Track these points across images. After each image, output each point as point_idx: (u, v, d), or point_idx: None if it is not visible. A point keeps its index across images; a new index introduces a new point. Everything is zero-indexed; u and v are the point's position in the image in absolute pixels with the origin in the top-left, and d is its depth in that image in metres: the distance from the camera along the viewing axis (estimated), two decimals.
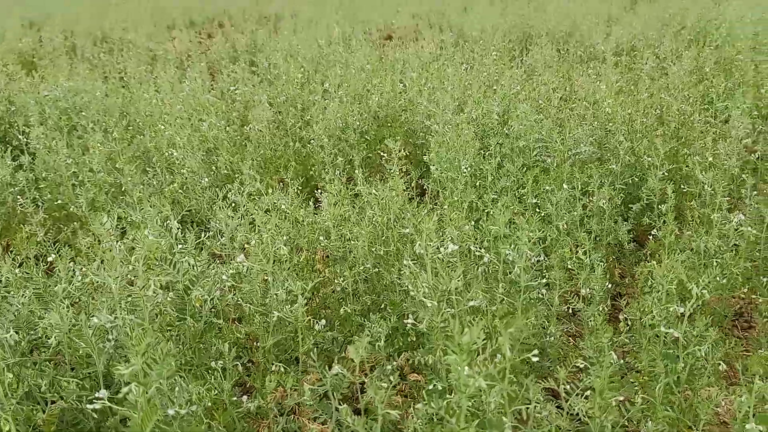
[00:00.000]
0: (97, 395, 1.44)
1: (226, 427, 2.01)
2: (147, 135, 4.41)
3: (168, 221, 2.27)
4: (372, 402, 1.79)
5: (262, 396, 2.09)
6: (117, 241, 2.11)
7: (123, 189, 3.80)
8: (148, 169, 4.21)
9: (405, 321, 2.27)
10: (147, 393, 1.49)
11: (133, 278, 2.07)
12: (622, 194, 3.90)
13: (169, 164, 4.19)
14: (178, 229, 2.29)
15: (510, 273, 2.49)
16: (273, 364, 2.26)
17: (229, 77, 6.39)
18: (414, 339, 2.73)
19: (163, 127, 4.18)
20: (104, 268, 2.02)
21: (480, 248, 2.57)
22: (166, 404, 1.64)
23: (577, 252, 3.00)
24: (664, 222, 3.32)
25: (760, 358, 2.08)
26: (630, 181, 3.99)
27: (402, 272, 2.81)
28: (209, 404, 1.95)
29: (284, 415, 2.19)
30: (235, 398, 2.10)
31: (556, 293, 2.81)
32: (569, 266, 3.01)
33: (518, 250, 2.37)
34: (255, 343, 2.53)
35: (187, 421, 1.66)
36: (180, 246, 2.28)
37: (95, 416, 1.85)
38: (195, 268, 2.25)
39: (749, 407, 1.91)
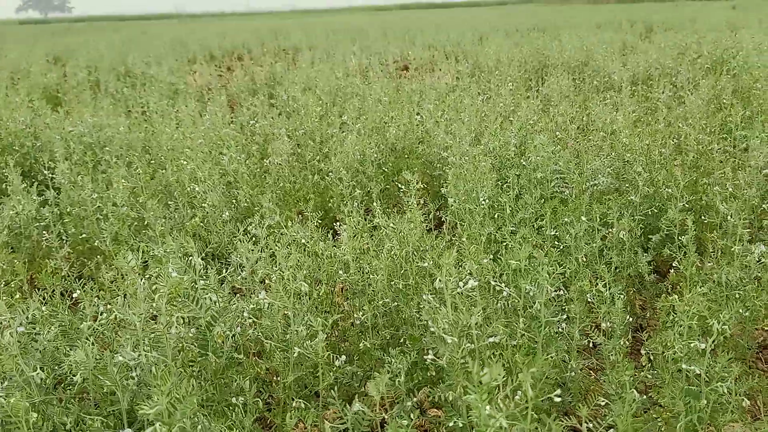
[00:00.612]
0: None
1: None
2: (169, 169, 4.49)
3: (190, 257, 2.31)
4: None
5: None
6: (140, 278, 2.14)
7: (146, 223, 3.86)
8: (170, 203, 4.28)
9: (425, 357, 2.27)
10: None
11: (155, 314, 2.10)
12: (641, 225, 3.88)
13: (191, 198, 4.26)
14: (200, 264, 2.32)
15: (530, 307, 2.49)
16: (293, 399, 2.27)
17: (248, 110, 6.51)
18: (434, 374, 2.73)
19: (185, 162, 4.26)
20: (128, 305, 2.05)
21: (499, 282, 2.57)
22: None
23: (597, 284, 2.99)
24: (685, 254, 3.30)
25: None
26: (649, 212, 3.97)
27: (421, 306, 2.82)
28: None
29: None
30: None
31: (577, 327, 2.80)
32: (589, 299, 3.00)
33: (538, 285, 2.37)
34: (275, 378, 2.54)
35: None
36: (202, 282, 2.32)
37: None
38: (217, 304, 2.28)
39: None
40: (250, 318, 2.35)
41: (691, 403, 2.11)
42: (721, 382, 2.15)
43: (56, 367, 2.00)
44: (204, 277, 2.37)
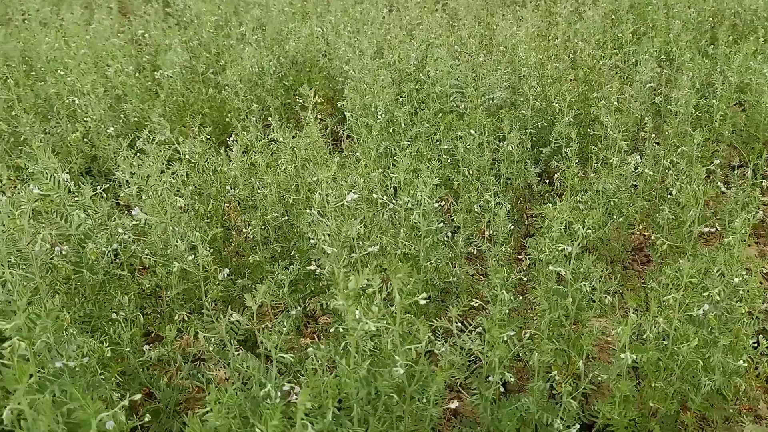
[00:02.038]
0: None
1: (128, 375, 2.02)
2: (48, 81, 4.19)
3: (61, 173, 2.20)
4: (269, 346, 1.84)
5: (164, 345, 2.11)
6: (2, 194, 2.03)
7: (23, 138, 3.62)
8: (50, 117, 4.02)
9: (308, 267, 2.31)
10: (32, 347, 1.47)
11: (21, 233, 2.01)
12: (533, 138, 4.00)
13: (73, 112, 4.01)
14: (68, 181, 2.22)
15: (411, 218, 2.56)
16: (177, 313, 2.26)
17: (141, 18, 6.09)
18: (325, 284, 2.79)
19: (62, 73, 3.97)
20: None
21: (383, 196, 2.61)
22: (54, 357, 1.63)
23: (485, 195, 3.10)
24: (568, 166, 3.45)
25: (633, 293, 2.22)
26: (540, 126, 4.09)
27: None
28: (107, 355, 1.95)
29: (189, 362, 2.21)
30: (136, 348, 2.10)
31: (461, 236, 2.91)
32: (476, 209, 3.11)
33: (416, 197, 2.42)
34: (160, 293, 2.52)
35: (78, 373, 1.66)
36: (72, 198, 2.22)
37: None
38: (88, 220, 2.20)
39: (626, 338, 2.06)
40: (127, 234, 2.29)
41: (557, 301, 2.26)
42: (585, 281, 2.31)
43: None
44: (76, 194, 2.28)
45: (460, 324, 2.05)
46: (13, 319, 1.42)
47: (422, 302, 1.73)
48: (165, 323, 2.37)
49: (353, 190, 2.30)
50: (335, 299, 2.31)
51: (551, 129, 3.99)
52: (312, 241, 2.24)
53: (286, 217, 2.93)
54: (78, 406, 1.34)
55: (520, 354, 2.30)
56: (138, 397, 1.50)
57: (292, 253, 2.85)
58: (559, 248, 2.32)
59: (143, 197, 2.34)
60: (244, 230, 2.93)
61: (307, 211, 2.36)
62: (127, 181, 2.94)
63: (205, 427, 1.35)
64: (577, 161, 3.48)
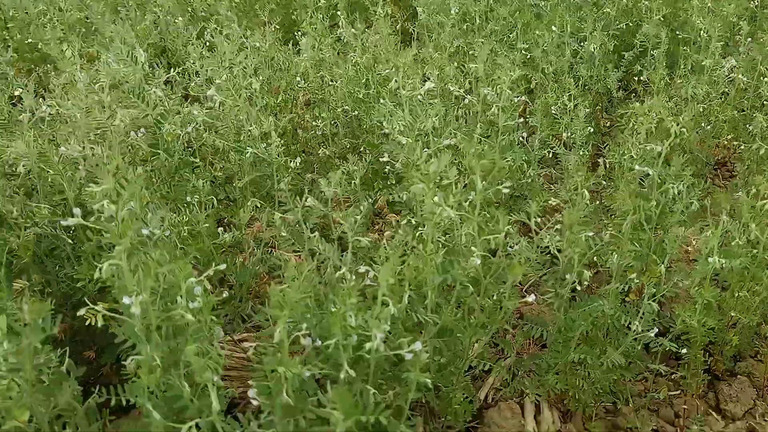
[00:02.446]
0: (74, 210, 1.43)
1: (203, 256, 2.05)
2: None
3: (135, 50, 2.17)
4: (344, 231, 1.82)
5: (239, 229, 2.12)
6: (82, 72, 2.02)
7: (94, 28, 3.62)
8: (120, 8, 3.99)
9: (381, 158, 2.25)
10: (121, 211, 1.48)
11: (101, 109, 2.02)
12: (615, 41, 3.75)
13: (142, 3, 3.97)
14: (145, 60, 2.19)
15: (488, 113, 2.45)
16: (249, 200, 2.27)
17: None
18: (393, 182, 2.74)
19: None
20: (70, 98, 1.95)
21: (460, 89, 2.50)
22: (140, 227, 1.65)
23: (563, 97, 2.94)
24: (655, 68, 3.23)
25: (726, 196, 2.09)
26: (624, 27, 3.82)
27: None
28: (185, 234, 1.98)
29: (261, 247, 2.23)
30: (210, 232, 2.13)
31: (537, 137, 2.79)
32: (553, 111, 2.96)
33: (498, 90, 2.31)
34: (233, 183, 2.53)
35: (161, 244, 1.68)
36: (149, 79, 2.20)
37: (71, 242, 1.87)
38: (165, 101, 2.19)
39: (715, 242, 1.96)
40: (201, 117, 2.27)
41: (640, 203, 2.16)
42: (672, 184, 2.18)
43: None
44: (151, 74, 2.26)
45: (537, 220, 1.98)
46: (102, 183, 1.42)
47: (505, 191, 1.66)
48: (237, 210, 2.39)
49: (429, 80, 2.20)
50: (408, 191, 2.28)
51: (635, 32, 3.72)
52: (383, 133, 2.17)
53: (356, 112, 2.86)
54: (169, 270, 1.35)
55: (595, 259, 2.23)
56: (223, 266, 1.50)
57: (361, 149, 2.80)
58: (648, 147, 2.18)
59: (217, 81, 2.30)
60: (312, 124, 2.89)
61: (381, 101, 2.28)
62: (197, 72, 2.92)
63: (285, 299, 1.34)
64: (664, 65, 3.25)
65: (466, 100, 2.55)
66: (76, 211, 1.49)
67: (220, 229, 2.15)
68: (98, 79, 1.92)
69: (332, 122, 2.82)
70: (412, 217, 2.18)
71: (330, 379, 1.67)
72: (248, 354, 1.41)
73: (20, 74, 3.36)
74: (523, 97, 2.55)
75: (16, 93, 2.35)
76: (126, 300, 1.29)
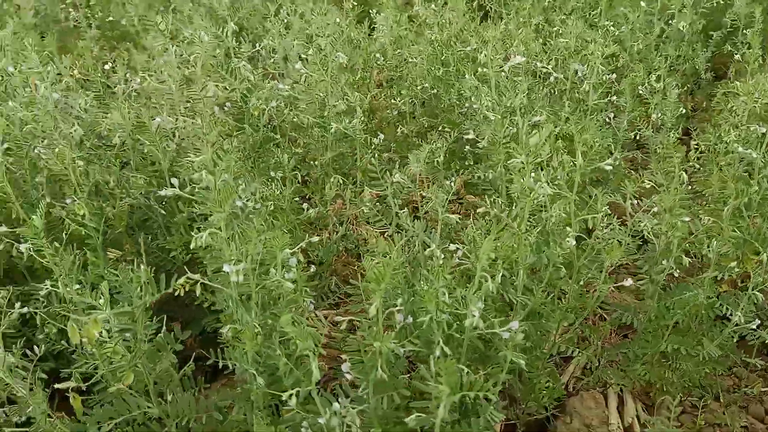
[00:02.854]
0: (171, 181, 1.45)
1: (288, 230, 2.05)
2: None
3: (224, 28, 2.18)
4: (432, 208, 1.79)
5: (323, 204, 2.12)
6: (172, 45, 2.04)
7: (173, 7, 3.67)
8: None
9: (465, 136, 2.20)
10: (218, 182, 1.49)
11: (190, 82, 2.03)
12: (704, 21, 3.56)
13: None
14: (232, 34, 2.20)
15: (577, 91, 2.36)
16: (332, 176, 2.26)
17: None
18: (471, 163, 2.69)
19: None
20: (161, 71, 1.98)
21: (549, 65, 2.41)
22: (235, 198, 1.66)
23: (650, 77, 2.82)
24: (749, 46, 3.04)
25: None
26: (714, 5, 3.62)
27: (461, 93, 2.70)
28: (270, 209, 1.98)
29: (343, 224, 2.22)
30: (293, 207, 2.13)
31: (625, 118, 2.67)
32: (641, 92, 2.84)
33: (589, 65, 2.21)
34: (313, 162, 2.52)
35: (252, 217, 1.69)
36: (236, 54, 2.21)
37: (163, 212, 1.90)
38: (252, 75, 2.19)
39: None
40: (286, 91, 2.26)
41: (741, 188, 2.04)
42: None
43: (93, 130, 1.98)
44: (238, 49, 2.26)
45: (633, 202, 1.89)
46: (201, 154, 1.43)
47: (607, 167, 1.59)
48: (318, 187, 2.38)
49: (518, 54, 2.13)
50: (493, 170, 2.22)
51: (725, 10, 3.53)
52: (464, 110, 2.12)
53: (435, 90, 2.81)
54: (266, 239, 1.35)
55: (686, 246, 2.12)
56: (317, 239, 1.49)
57: (440, 128, 2.75)
58: (751, 128, 2.06)
59: (302, 55, 2.29)
60: (391, 102, 2.85)
61: (466, 77, 2.23)
62: (274, 49, 2.92)
63: (382, 273, 1.32)
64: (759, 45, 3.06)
65: (552, 78, 2.46)
66: (174, 181, 1.51)
67: (305, 204, 2.15)
68: (189, 52, 1.93)
69: (410, 101, 2.77)
70: (498, 197, 2.12)
71: (419, 359, 1.66)
72: (340, 327, 1.39)
73: (103, 51, 3.44)
74: (613, 75, 2.44)
75: (106, 67, 2.40)
76: (226, 268, 1.30)
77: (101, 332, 1.19)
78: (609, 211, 1.77)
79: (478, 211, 1.66)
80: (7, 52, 2.00)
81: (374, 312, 1.36)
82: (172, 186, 1.49)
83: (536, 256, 1.63)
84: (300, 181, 2.44)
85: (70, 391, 1.34)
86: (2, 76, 2.02)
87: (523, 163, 1.51)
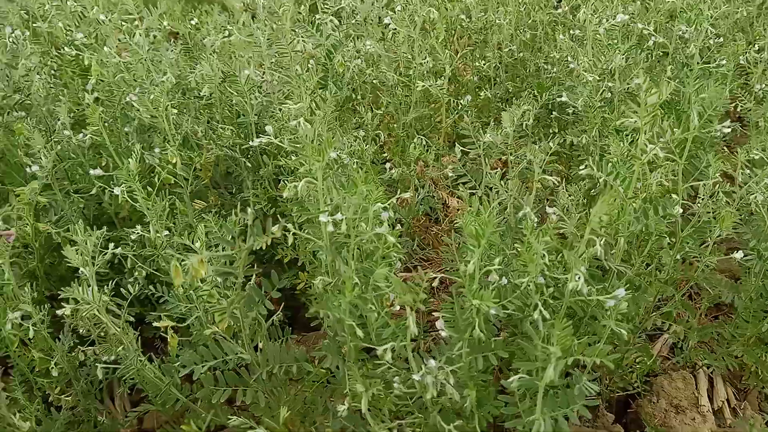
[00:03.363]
0: (266, 129, 1.41)
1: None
2: None
3: None
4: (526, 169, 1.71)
5: (407, 164, 2.06)
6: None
7: None
8: None
9: (558, 98, 2.10)
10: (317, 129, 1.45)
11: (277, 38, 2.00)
12: None
13: None
14: None
15: (680, 54, 2.21)
16: (415, 136, 2.20)
17: None
18: (555, 130, 2.58)
19: None
20: (249, 25, 1.95)
21: (650, 26, 2.27)
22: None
23: (752, 47, 2.63)
24: None
25: None
26: None
27: (550, 57, 2.59)
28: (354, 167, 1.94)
29: (424, 188, 2.17)
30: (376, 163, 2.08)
31: (727, 88, 2.50)
32: (741, 61, 2.66)
33: (696, 25, 2.06)
34: (392, 124, 2.46)
35: (342, 171, 1.65)
36: (322, 8, 2.16)
37: (249, 164, 1.89)
38: (338, 32, 2.14)
39: None
40: (372, 48, 2.20)
41: None
42: None
43: (181, 83, 1.97)
44: (323, 3, 2.22)
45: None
46: (299, 101, 1.39)
47: (726, 130, 1.47)
48: (398, 149, 2.33)
49: (621, 12, 2.01)
50: (588, 135, 2.11)
51: None
52: (551, 75, 2.01)
53: (521, 54, 2.70)
54: (358, 192, 1.30)
55: None
56: (408, 195, 1.44)
57: (525, 93, 2.64)
58: None
59: (386, 14, 2.22)
60: (474, 66, 2.75)
61: (560, 37, 2.12)
62: (353, 11, 2.85)
63: (483, 228, 1.26)
64: None
65: (650, 42, 2.32)
66: (268, 128, 1.47)
67: (387, 164, 2.10)
68: (278, 4, 1.89)
69: (495, 64, 2.67)
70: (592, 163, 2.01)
71: (509, 322, 1.59)
72: (434, 285, 1.34)
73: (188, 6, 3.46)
74: (720, 39, 2.28)
75: (193, 22, 2.39)
76: (323, 218, 1.26)
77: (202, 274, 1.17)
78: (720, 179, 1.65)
79: (579, 171, 1.56)
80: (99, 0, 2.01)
81: (472, 269, 1.30)
82: (266, 133, 1.46)
83: (641, 223, 1.53)
84: (380, 142, 2.40)
85: (168, 330, 1.34)
86: (95, 26, 2.04)
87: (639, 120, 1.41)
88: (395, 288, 1.18)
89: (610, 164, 1.49)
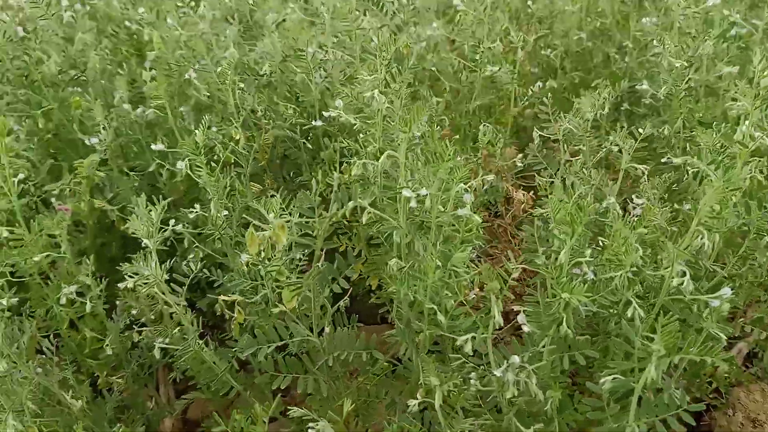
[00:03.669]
0: (336, 105, 1.33)
1: None
2: None
3: None
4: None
5: (473, 151, 1.96)
6: None
7: None
8: None
9: (639, 87, 1.96)
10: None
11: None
12: None
13: None
14: None
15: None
16: (478, 125, 2.09)
17: None
18: (625, 125, 2.44)
19: None
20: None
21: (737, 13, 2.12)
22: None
23: None
24: None
25: None
26: None
27: (624, 44, 2.46)
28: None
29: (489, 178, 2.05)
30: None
31: None
32: None
33: None
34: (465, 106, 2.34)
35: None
36: None
37: (310, 147, 1.80)
38: (403, 14, 2.05)
39: None
40: (439, 30, 2.10)
41: None
42: None
43: (241, 59, 1.90)
44: None
45: None
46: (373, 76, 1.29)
47: None
48: (461, 134, 2.22)
49: None
50: (670, 126, 1.98)
51: None
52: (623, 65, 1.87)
53: (590, 42, 2.56)
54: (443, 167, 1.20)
55: None
56: (492, 177, 1.33)
57: (594, 86, 2.51)
58: None
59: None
60: (541, 53, 2.62)
61: (644, 20, 1.98)
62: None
63: (577, 217, 1.14)
64: None
65: (741, 30, 2.16)
66: (338, 102, 1.38)
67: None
68: None
69: (561, 54, 2.54)
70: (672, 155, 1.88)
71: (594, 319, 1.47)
72: (514, 276, 1.23)
73: None
74: None
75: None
76: (406, 192, 1.16)
77: (266, 251, 1.09)
78: None
79: (674, 161, 1.43)
80: None
81: (563, 259, 1.19)
82: (334, 109, 1.37)
83: (741, 219, 1.40)
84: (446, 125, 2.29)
85: (235, 306, 1.25)
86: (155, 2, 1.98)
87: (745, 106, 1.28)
88: (482, 274, 1.07)
89: (710, 153, 1.36)
